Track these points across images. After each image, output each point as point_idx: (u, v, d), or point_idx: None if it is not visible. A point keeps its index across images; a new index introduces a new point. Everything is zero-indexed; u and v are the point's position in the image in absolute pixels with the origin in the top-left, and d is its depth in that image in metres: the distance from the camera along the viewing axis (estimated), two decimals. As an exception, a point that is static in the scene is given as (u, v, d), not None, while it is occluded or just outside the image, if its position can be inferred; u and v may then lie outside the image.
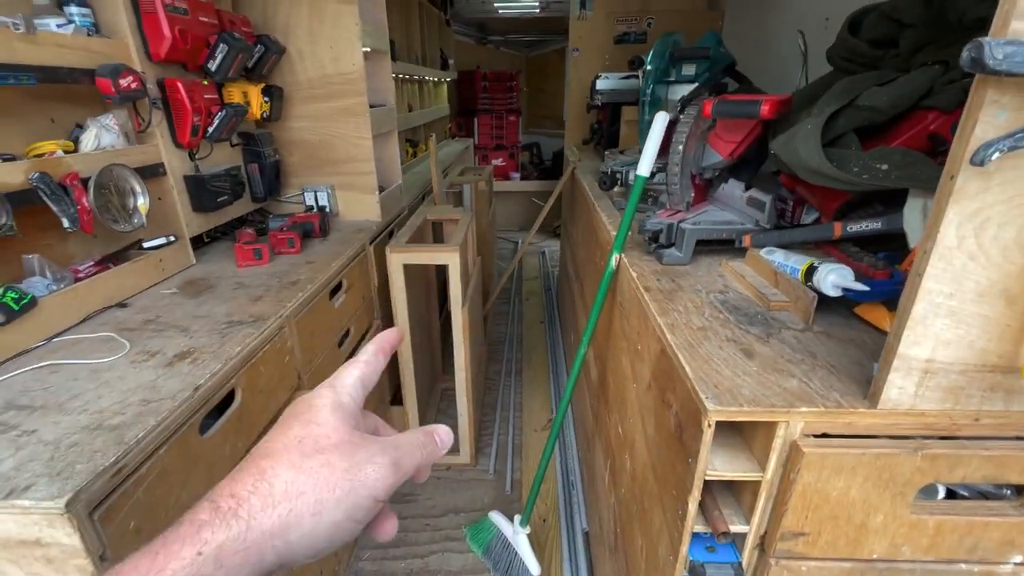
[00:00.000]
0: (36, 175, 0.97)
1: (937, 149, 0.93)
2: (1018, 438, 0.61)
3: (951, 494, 0.68)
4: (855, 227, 0.90)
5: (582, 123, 3.06)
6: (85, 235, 1.10)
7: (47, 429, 0.75)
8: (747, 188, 1.13)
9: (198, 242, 1.55)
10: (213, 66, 1.43)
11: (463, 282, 1.80)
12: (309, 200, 1.89)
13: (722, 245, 1.14)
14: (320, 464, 0.30)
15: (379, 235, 1.91)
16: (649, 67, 1.68)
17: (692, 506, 0.68)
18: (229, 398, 0.97)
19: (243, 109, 1.54)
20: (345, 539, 0.31)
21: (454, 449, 2.08)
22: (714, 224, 1.11)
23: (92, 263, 1.20)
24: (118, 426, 0.76)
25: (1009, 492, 0.66)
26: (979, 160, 0.47)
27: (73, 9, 1.15)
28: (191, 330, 1.07)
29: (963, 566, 0.66)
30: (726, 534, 0.68)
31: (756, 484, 0.66)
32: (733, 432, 0.72)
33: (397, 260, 1.70)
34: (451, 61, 4.39)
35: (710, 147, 1.20)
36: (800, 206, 1.12)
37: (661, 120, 1.09)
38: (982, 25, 0.93)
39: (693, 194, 1.22)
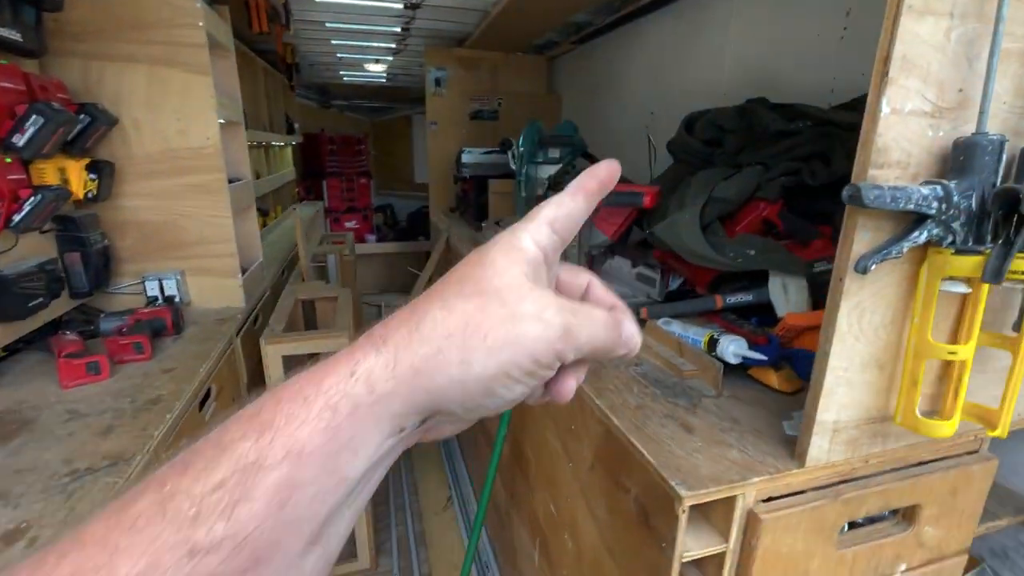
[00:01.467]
0: None
1: (770, 231, 1.18)
2: (894, 469, 0.77)
3: (851, 525, 0.82)
4: (732, 299, 1.08)
5: (445, 191, 3.15)
6: None
7: None
8: (634, 265, 1.27)
9: (-9, 360, 1.18)
10: (21, 141, 1.15)
11: (353, 368, 1.65)
12: (152, 291, 1.58)
13: (621, 316, 1.26)
14: (475, 307, 0.25)
15: (243, 324, 1.68)
16: (521, 149, 1.83)
17: (672, 592, 0.71)
18: None
19: (64, 192, 1.26)
20: (507, 399, 0.27)
21: (351, 555, 1.84)
22: (614, 299, 1.22)
23: None
24: None
25: (888, 514, 0.82)
26: (862, 268, 0.61)
27: None
28: (13, 494, 0.79)
29: (870, 583, 0.80)
30: (701, 609, 0.72)
31: (720, 555, 0.72)
32: (692, 509, 0.78)
33: (274, 352, 1.51)
34: (296, 125, 4.19)
35: (596, 228, 1.33)
36: (667, 275, 1.30)
37: (562, 209, 1.18)
38: (782, 135, 1.23)
39: (588, 270, 1.33)
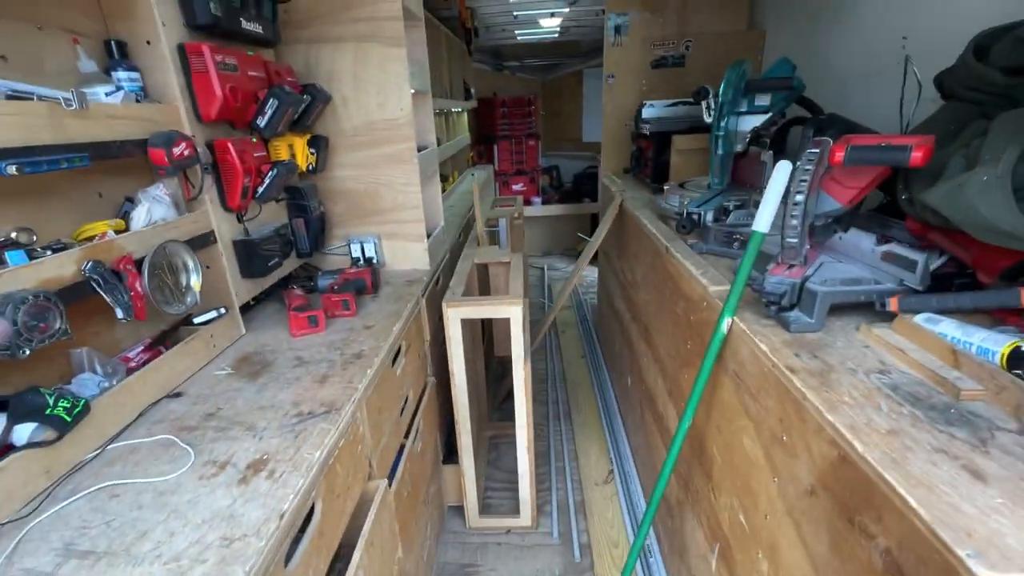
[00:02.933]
0: (89, 264, 0.87)
1: None
2: None
3: None
4: (1050, 295, 0.76)
5: (620, 151, 2.95)
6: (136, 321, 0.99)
7: (117, 590, 0.62)
8: (881, 241, 0.99)
9: (244, 307, 1.44)
10: (262, 122, 1.33)
11: (525, 334, 1.66)
12: (355, 251, 1.78)
13: (854, 306, 1.00)
14: None
15: (427, 285, 1.80)
16: (723, 99, 1.56)
17: None
18: (310, 514, 0.84)
19: (293, 165, 1.44)
20: None
21: (514, 511, 1.92)
22: (849, 285, 0.97)
23: (142, 348, 1.08)
24: (201, 583, 0.63)
25: None
26: None
27: (121, 74, 1.05)
28: (258, 428, 0.94)
29: None
30: None
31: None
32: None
33: (455, 315, 1.58)
34: (472, 90, 4.34)
35: (825, 193, 1.06)
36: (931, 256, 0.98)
37: (784, 170, 0.96)
38: None
39: (809, 246, 1.08)
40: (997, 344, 0.72)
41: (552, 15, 3.73)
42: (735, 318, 1.04)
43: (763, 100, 1.58)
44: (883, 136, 0.92)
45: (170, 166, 1.03)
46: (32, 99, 0.83)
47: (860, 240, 1.04)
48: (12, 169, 0.73)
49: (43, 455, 0.79)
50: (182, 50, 1.12)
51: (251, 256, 1.33)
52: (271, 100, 1.32)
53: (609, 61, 2.85)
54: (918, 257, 0.90)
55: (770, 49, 2.70)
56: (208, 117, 1.19)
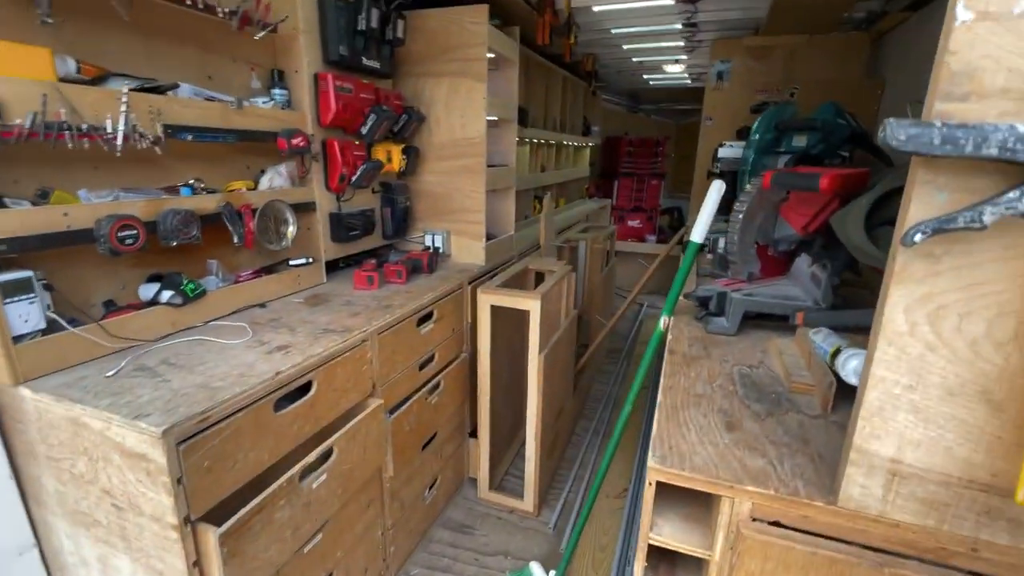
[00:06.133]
0: (223, 204, 1.36)
1: None
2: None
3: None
4: (913, 315, 0.80)
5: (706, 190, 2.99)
6: (248, 250, 1.48)
7: (176, 381, 1.03)
8: (812, 263, 1.05)
9: (335, 266, 1.92)
10: (364, 130, 1.81)
11: (544, 330, 1.88)
12: (428, 241, 2.19)
13: (780, 321, 1.07)
14: None
15: (479, 277, 2.12)
16: (754, 137, 1.65)
17: (638, 569, 0.67)
18: (307, 388, 1.20)
19: (380, 164, 1.90)
20: None
21: (518, 493, 2.11)
22: (768, 297, 1.05)
23: (250, 272, 1.58)
24: (216, 388, 1.01)
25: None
26: (909, 240, 0.44)
27: (276, 90, 1.59)
28: (297, 330, 1.34)
29: None
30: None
31: (704, 563, 0.63)
32: (697, 504, 0.69)
33: (485, 300, 1.87)
34: (595, 128, 4.66)
35: (783, 219, 1.15)
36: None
37: (716, 188, 1.09)
38: None
39: (760, 266, 1.17)
40: (830, 346, 0.79)
41: (676, 62, 3.90)
42: (671, 318, 1.17)
43: (800, 141, 1.62)
44: (810, 167, 1.01)
45: (288, 151, 1.53)
46: (214, 101, 1.36)
47: (803, 263, 1.10)
48: (189, 137, 1.24)
49: (173, 312, 1.28)
50: (315, 77, 1.64)
51: (338, 225, 1.80)
52: (372, 115, 1.79)
53: (709, 104, 2.95)
54: (823, 275, 0.96)
55: (890, 98, 2.56)
56: (325, 123, 1.69)
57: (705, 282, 1.44)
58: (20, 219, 0.97)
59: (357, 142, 1.84)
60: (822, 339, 0.86)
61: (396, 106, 1.96)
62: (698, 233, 1.12)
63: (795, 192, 1.11)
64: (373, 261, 1.89)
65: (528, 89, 3.05)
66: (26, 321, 1.01)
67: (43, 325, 1.04)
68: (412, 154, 2.07)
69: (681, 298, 1.28)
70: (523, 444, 2.54)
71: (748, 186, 1.13)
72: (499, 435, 2.19)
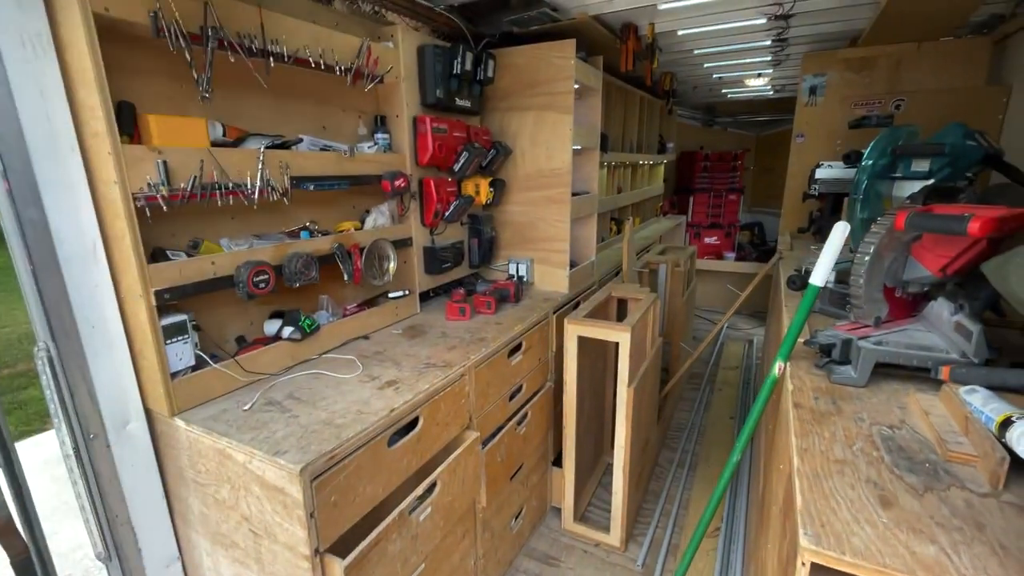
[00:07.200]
0: (336, 245, 1.47)
1: None
2: None
3: None
4: (1099, 381, 0.71)
5: (799, 211, 2.83)
6: (354, 286, 1.58)
7: (303, 416, 1.12)
8: (955, 311, 0.96)
9: (425, 296, 2.00)
10: (457, 168, 1.89)
11: (633, 362, 1.85)
12: (512, 269, 2.23)
13: (917, 372, 0.98)
14: None
15: (563, 305, 2.12)
16: (866, 162, 1.54)
17: (785, 653, 0.63)
18: (414, 423, 1.25)
19: (471, 199, 1.97)
20: None
21: (605, 527, 2.06)
22: (904, 347, 0.97)
23: (355, 305, 1.69)
24: (340, 426, 1.08)
25: None
26: None
27: (379, 135, 1.70)
28: (401, 364, 1.41)
29: None
30: None
31: (865, 655, 0.58)
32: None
33: (572, 331, 1.87)
34: (670, 145, 4.56)
35: (914, 259, 1.06)
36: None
37: (840, 230, 1.03)
38: None
39: (888, 309, 1.08)
40: (996, 413, 0.72)
41: (759, 75, 3.75)
42: (787, 364, 1.11)
43: (920, 166, 1.50)
44: (961, 206, 0.93)
45: (391, 192, 1.62)
46: (329, 151, 1.47)
47: (942, 309, 1.01)
48: (311, 187, 1.36)
49: (293, 347, 1.39)
50: (414, 120, 1.74)
51: (432, 258, 1.88)
52: (464, 153, 1.87)
53: (800, 121, 2.81)
54: (974, 328, 0.88)
55: (1020, 107, 2.31)
56: (422, 163, 1.78)
57: (821, 326, 1.36)
58: (179, 269, 1.10)
59: (450, 179, 1.92)
60: (981, 402, 0.78)
61: (485, 142, 2.02)
62: (819, 276, 1.06)
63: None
64: (462, 291, 1.95)
65: (606, 113, 3.05)
66: (180, 359, 1.13)
67: (193, 362, 1.16)
68: (499, 186, 2.12)
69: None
70: (605, 473, 2.49)
71: (874, 226, 1.06)
72: (582, 464, 2.16)
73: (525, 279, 2.20)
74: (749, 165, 5.64)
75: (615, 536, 2.02)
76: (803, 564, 0.59)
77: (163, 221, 1.15)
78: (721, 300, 5.28)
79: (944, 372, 0.89)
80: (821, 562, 0.58)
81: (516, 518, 1.90)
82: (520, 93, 2.07)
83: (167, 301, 1.08)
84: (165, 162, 1.04)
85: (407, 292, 1.81)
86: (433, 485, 1.29)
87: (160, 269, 1.06)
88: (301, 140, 1.41)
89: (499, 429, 1.68)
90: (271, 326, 1.41)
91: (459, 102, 1.89)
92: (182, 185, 1.07)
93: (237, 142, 1.26)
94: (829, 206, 2.24)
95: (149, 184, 1.02)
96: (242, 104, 1.35)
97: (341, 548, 1.03)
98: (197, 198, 1.10)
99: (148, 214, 1.03)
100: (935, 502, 0.66)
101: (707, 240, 5.46)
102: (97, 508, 1.09)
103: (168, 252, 1.14)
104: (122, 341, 1.09)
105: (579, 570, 1.93)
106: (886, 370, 0.99)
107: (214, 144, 1.17)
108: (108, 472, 1.09)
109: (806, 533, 0.61)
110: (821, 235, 2.26)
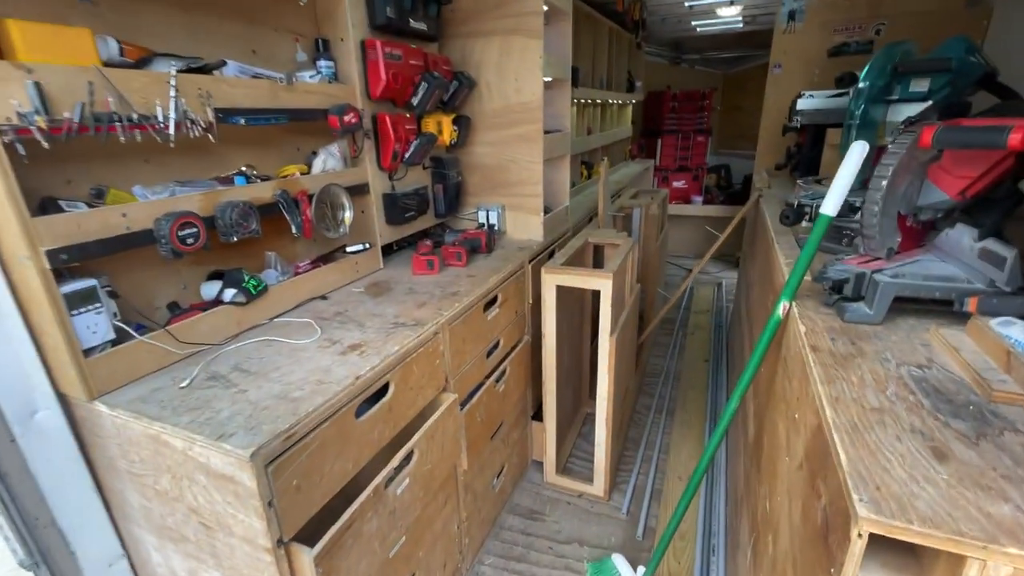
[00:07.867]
0: (279, 192, 1.26)
1: None
2: None
3: None
4: None
5: (777, 146, 2.74)
6: (305, 239, 1.38)
7: (253, 391, 0.96)
8: (981, 237, 0.88)
9: (388, 250, 1.82)
10: (415, 101, 1.67)
11: (615, 310, 1.75)
12: (482, 218, 2.06)
13: (935, 306, 0.91)
14: None
15: (539, 254, 1.99)
16: (863, 84, 1.43)
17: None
18: (384, 390, 1.11)
19: (434, 137, 1.76)
20: None
21: (587, 478, 2.03)
22: (924, 279, 0.89)
23: (308, 262, 1.50)
24: (297, 399, 0.93)
25: None
26: None
27: (322, 63, 1.46)
28: (366, 326, 1.25)
29: None
30: None
31: (928, 631, 0.51)
32: (904, 554, 0.57)
33: (551, 280, 1.75)
34: (638, 83, 4.35)
35: (931, 183, 0.96)
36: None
37: (858, 150, 0.91)
38: None
39: (900, 239, 0.99)
40: (1050, 347, 0.64)
41: (731, 3, 3.55)
42: (793, 303, 1.02)
43: (920, 86, 1.39)
44: (990, 119, 0.82)
45: (340, 129, 1.40)
46: (262, 78, 1.24)
47: (962, 236, 0.92)
48: (241, 121, 1.13)
49: (237, 311, 1.20)
50: (362, 44, 1.49)
51: (393, 207, 1.68)
52: (423, 84, 1.64)
53: (777, 49, 2.66)
54: (1008, 254, 0.79)
55: (1000, 30, 2.24)
56: (375, 95, 1.55)
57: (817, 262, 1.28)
58: (78, 223, 0.89)
59: (408, 115, 1.70)
60: (1023, 334, 0.70)
61: (446, 72, 1.79)
62: (832, 205, 0.95)
63: (950, 150, 0.93)
64: (429, 243, 1.78)
65: (576, 46, 2.81)
66: (94, 332, 0.94)
67: (112, 336, 0.97)
68: (464, 124, 1.91)
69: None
70: (584, 424, 2.45)
71: (892, 146, 0.95)
72: (562, 417, 2.10)
73: (496, 227, 2.04)
74: (716, 105, 5.49)
75: (599, 486, 1.99)
76: (860, 535, 0.50)
77: (50, 164, 0.92)
78: (687, 246, 5.26)
79: (972, 304, 0.81)
80: (883, 532, 0.49)
81: (498, 476, 1.83)
82: (484, 15, 1.83)
83: (66, 263, 0.87)
84: (38, 84, 0.81)
85: (367, 245, 1.62)
86: (410, 454, 1.17)
87: (51, 223, 0.85)
88: (225, 63, 1.17)
89: (477, 388, 1.57)
90: (209, 289, 1.22)
91: (414, 24, 1.64)
92: (66, 115, 0.84)
93: (140, 64, 1.01)
94: (810, 139, 2.14)
95: (18, 113, 0.79)
96: (141, 16, 1.09)
97: (311, 533, 0.91)
98: (91, 132, 0.87)
99: (23, 152, 0.81)
100: (993, 450, 0.57)
101: (675, 184, 5.38)
102: (11, 512, 0.92)
103: (62, 203, 0.92)
104: (14, 316, 0.88)
105: (564, 522, 1.90)
106: (899, 304, 0.91)
107: (107, 65, 0.93)
108: (17, 470, 0.91)
109: (861, 499, 0.51)
110: (801, 170, 2.18)
